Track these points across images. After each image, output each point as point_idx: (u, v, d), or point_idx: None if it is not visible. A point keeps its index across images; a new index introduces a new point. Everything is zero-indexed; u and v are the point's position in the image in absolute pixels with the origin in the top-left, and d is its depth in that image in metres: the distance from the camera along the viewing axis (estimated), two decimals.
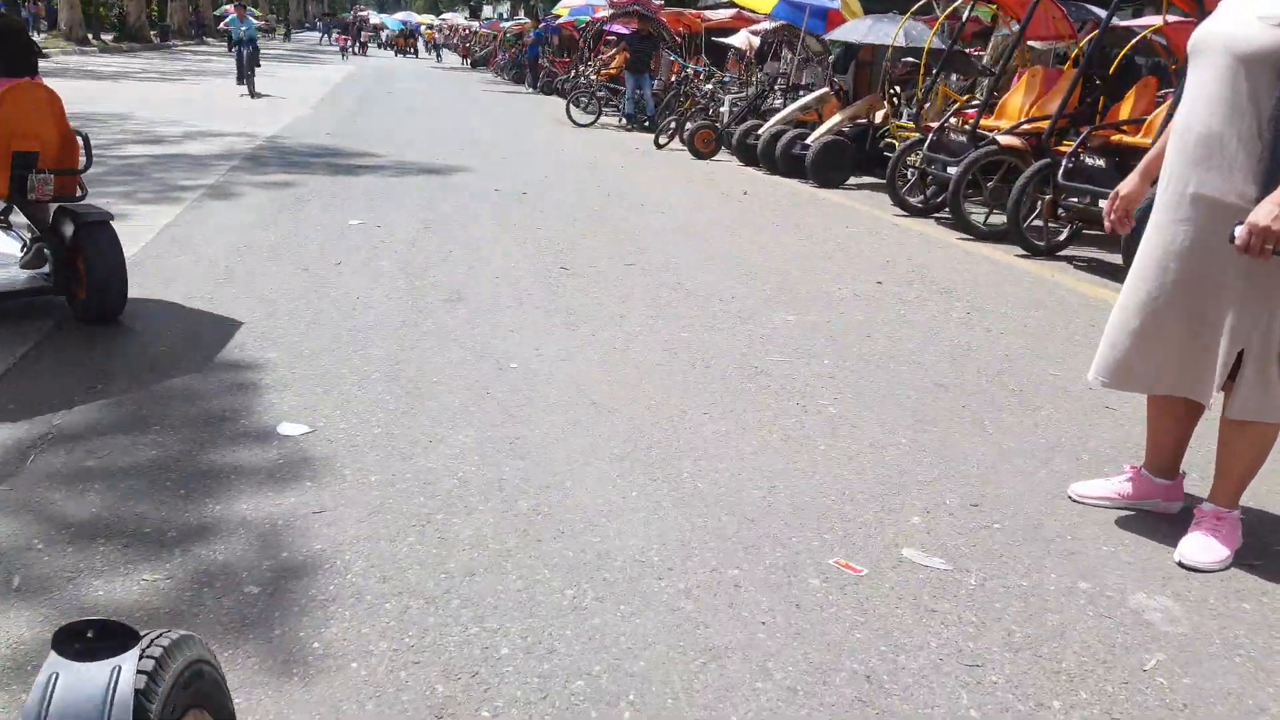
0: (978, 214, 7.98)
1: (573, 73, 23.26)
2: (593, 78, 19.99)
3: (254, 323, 4.57)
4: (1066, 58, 11.17)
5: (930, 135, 8.39)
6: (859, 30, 10.78)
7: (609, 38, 23.97)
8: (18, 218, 4.74)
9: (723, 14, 20.64)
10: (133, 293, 4.72)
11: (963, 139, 8.25)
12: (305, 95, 19.23)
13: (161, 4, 47.45)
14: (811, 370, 4.29)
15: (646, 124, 16.49)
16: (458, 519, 2.76)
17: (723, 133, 13.04)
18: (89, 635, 0.98)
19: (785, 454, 3.32)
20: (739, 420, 3.63)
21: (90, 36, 35.24)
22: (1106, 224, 2.85)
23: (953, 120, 8.55)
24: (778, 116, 11.88)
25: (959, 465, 3.29)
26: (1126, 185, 2.80)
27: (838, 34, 11.25)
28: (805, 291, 5.74)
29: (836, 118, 10.81)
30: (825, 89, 11.90)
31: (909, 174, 9.10)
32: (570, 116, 16.80)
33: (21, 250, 4.63)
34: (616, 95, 18.23)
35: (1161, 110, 6.61)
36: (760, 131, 11.85)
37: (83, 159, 4.48)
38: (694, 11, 22.00)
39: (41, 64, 4.80)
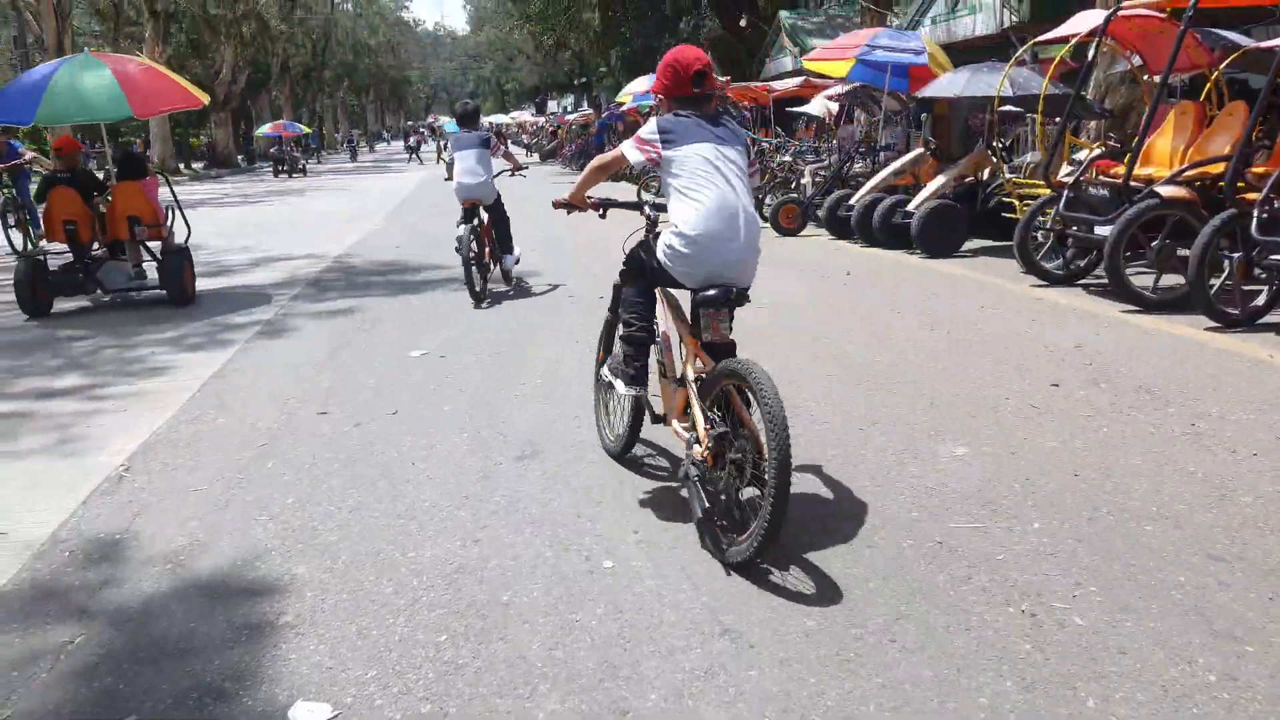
0: (1137, 276, 6.74)
1: None
2: None
3: (285, 515, 3.63)
4: (1184, 90, 9.96)
5: (1065, 191, 7.22)
6: (957, 83, 9.73)
7: None
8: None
9: (790, 83, 19.86)
10: (151, 481, 3.92)
11: (1104, 193, 7.06)
12: (374, 208, 18.94)
13: (249, 129, 49.24)
14: (1020, 543, 3.14)
15: None
16: None
17: (808, 206, 12.03)
18: None
19: None
20: (944, 652, 2.50)
21: (181, 166, 36.57)
22: None
23: (1090, 172, 7.37)
24: (871, 183, 10.83)
25: None
26: None
27: (932, 90, 10.21)
28: (963, 406, 4.59)
29: (941, 179, 9.70)
30: (920, 150, 10.84)
31: (1038, 236, 7.92)
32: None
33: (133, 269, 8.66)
34: None
35: None
36: (852, 201, 10.81)
37: (170, 221, 8.57)
38: (760, 84, 21.29)
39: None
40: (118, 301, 8.84)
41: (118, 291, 8.58)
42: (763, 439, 2.90)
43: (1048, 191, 7.92)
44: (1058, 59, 8.66)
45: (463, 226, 7.88)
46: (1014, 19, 13.43)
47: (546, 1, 34.70)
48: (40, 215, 12.11)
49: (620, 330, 3.71)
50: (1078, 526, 3.24)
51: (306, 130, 42.04)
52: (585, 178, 3.72)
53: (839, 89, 15.63)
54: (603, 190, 4.01)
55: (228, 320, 7.63)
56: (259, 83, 50.10)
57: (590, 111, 36.45)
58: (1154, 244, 6.48)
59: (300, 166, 34.53)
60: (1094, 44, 7.46)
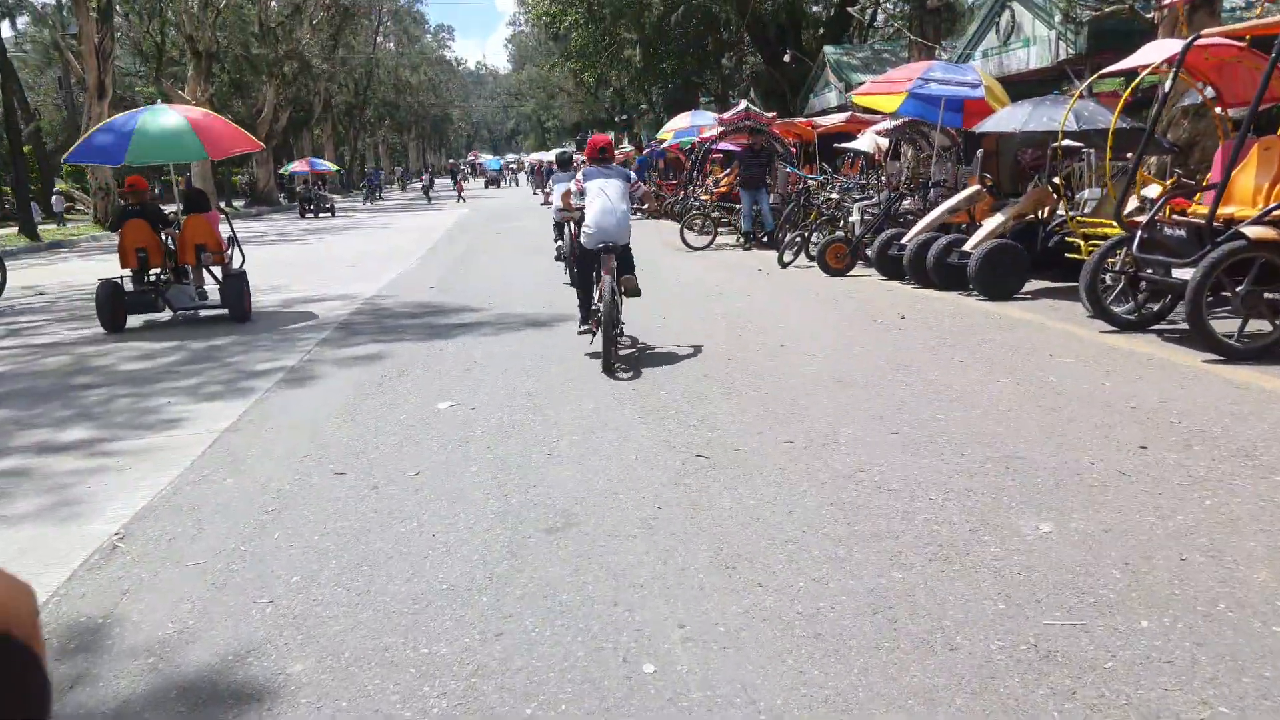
0: (1216, 322, 6.22)
1: (681, 194, 22.47)
2: (704, 198, 18.97)
3: (287, 598, 3.26)
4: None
5: (1139, 231, 6.73)
6: (1018, 117, 9.28)
7: (715, 156, 23.14)
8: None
9: (835, 119, 19.52)
10: (146, 552, 3.56)
11: (1181, 233, 6.57)
12: (410, 248, 18.80)
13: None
14: (1129, 647, 2.67)
15: (765, 240, 15.22)
16: None
17: (856, 245, 11.59)
18: None
19: None
20: None
21: (222, 204, 36.99)
22: None
23: (1163, 211, 6.87)
24: (924, 222, 10.38)
25: None
26: None
27: (991, 124, 9.77)
28: (1043, 471, 4.12)
29: (999, 217, 9.24)
30: (976, 187, 10.38)
31: (1106, 279, 7.42)
32: (685, 240, 15.71)
33: (196, 291, 9.64)
34: (732, 214, 17.09)
35: None
36: (904, 240, 10.36)
37: (230, 249, 9.76)
38: (804, 120, 20.98)
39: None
40: (180, 320, 9.93)
41: (183, 309, 9.76)
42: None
43: (1116, 231, 7.45)
44: (1128, 91, 8.20)
45: (562, 240, 11.28)
46: (1070, 51, 12.99)
47: (588, 39, 34.73)
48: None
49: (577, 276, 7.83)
50: (1193, 625, 2.77)
51: (335, 169, 41.04)
52: (562, 199, 7.79)
53: (887, 124, 15.29)
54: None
55: (249, 367, 7.35)
56: (301, 121, 50.81)
57: (631, 149, 36.34)
58: (1239, 288, 5.97)
59: (328, 206, 33.70)
60: (1170, 75, 6.98)
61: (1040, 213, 9.56)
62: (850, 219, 12.88)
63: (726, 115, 17.03)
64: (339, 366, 7.21)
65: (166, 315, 9.89)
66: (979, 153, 10.96)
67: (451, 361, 7.19)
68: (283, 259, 16.83)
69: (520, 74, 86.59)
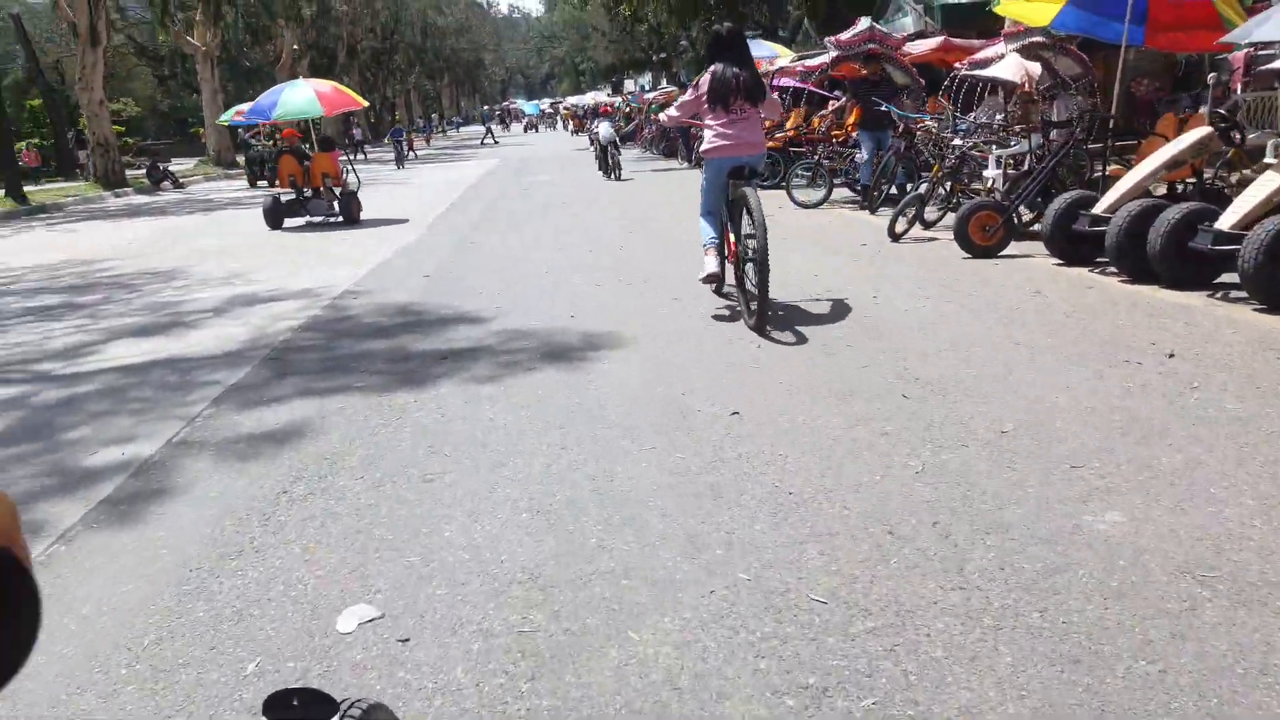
0: None
1: None
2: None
3: None
4: None
5: None
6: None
7: (774, 94, 19.71)
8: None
9: (927, 44, 16.05)
10: None
11: None
12: (423, 211, 15.71)
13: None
14: None
15: (878, 198, 11.83)
16: None
17: (1010, 211, 8.28)
18: (294, 704, 0.99)
19: None
20: None
21: (239, 160, 34.15)
22: None
23: None
24: (1130, 181, 7.06)
25: None
26: None
27: (1244, 35, 6.32)
28: None
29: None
30: (1205, 129, 7.05)
31: None
32: (791, 197, 12.59)
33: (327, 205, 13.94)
34: (845, 161, 13.72)
35: None
36: (1100, 209, 7.06)
37: (345, 175, 14.30)
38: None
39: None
40: (317, 222, 13.86)
41: (319, 215, 13.82)
42: None
43: None
44: None
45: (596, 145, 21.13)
46: None
47: None
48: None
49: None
50: None
51: (300, 127, 34.40)
52: (604, 130, 20.84)
53: (996, 49, 11.83)
54: None
55: (80, 458, 4.34)
56: (324, 68, 47.67)
57: (673, 89, 32.67)
58: None
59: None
60: None
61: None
62: (987, 174, 9.54)
63: (844, 37, 13.70)
64: (218, 462, 4.18)
65: (307, 220, 13.91)
66: (1212, 78, 7.56)
67: (407, 451, 4.13)
68: (258, 231, 13.74)
69: (553, 15, 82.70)
